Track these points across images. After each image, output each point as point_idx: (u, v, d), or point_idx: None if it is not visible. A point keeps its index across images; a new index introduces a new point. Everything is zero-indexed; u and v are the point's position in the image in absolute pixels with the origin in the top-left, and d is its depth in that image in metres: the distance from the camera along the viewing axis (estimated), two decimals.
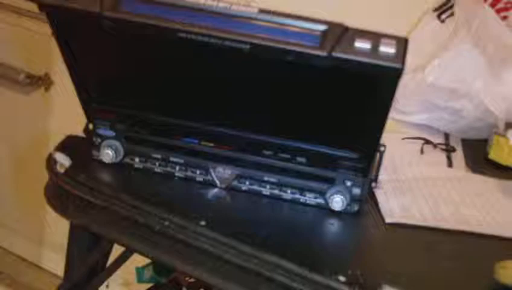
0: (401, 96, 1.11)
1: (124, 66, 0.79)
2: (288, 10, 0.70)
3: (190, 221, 0.79)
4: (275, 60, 0.69)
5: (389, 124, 1.12)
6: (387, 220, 0.84)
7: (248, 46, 0.68)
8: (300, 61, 0.68)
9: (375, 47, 0.66)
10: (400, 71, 0.66)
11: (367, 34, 0.67)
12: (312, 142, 0.80)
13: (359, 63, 0.66)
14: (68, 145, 0.91)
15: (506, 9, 1.14)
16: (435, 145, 1.06)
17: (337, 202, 0.84)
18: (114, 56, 0.78)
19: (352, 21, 0.70)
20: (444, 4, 1.16)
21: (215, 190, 0.87)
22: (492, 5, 1.15)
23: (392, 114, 1.13)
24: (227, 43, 0.68)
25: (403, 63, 0.66)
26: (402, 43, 0.67)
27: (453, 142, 1.10)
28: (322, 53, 0.67)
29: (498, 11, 1.14)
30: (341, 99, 0.73)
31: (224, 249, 0.77)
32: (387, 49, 0.66)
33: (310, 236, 0.82)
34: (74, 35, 0.75)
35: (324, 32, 0.67)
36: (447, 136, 1.11)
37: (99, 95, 0.83)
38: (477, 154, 1.08)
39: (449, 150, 1.05)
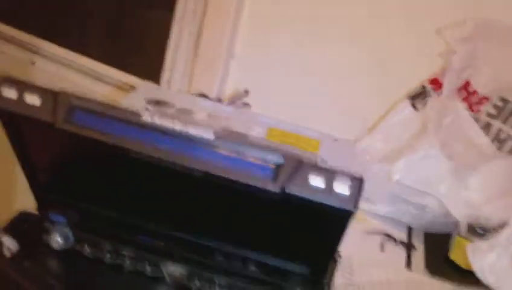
0: (368, 184, 1.10)
1: (75, 166, 0.77)
2: None
3: None
4: (227, 187, 0.67)
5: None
6: None
7: (200, 174, 0.66)
8: (252, 191, 0.66)
9: (329, 185, 0.65)
10: (352, 213, 0.64)
11: (322, 170, 0.65)
12: (264, 255, 0.78)
13: (312, 201, 0.64)
14: (19, 223, 0.89)
15: (480, 103, 1.13)
16: (396, 242, 1.04)
17: None
18: (65, 155, 0.76)
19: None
20: (420, 93, 1.15)
21: (164, 288, 0.85)
22: (466, 99, 1.13)
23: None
24: (179, 168, 0.66)
25: (356, 205, 0.64)
26: (357, 183, 0.65)
27: (415, 236, 1.08)
28: (275, 188, 0.65)
29: (471, 105, 1.13)
30: (293, 223, 0.72)
31: None
32: (341, 189, 0.65)
33: None
34: (26, 134, 0.73)
35: (279, 166, 0.65)
36: (409, 229, 1.09)
37: (51, 187, 0.80)
38: (439, 252, 1.06)
39: (410, 248, 1.03)
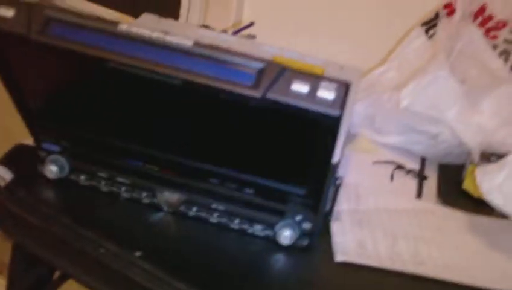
0: (378, 115, 1.06)
1: (59, 86, 0.75)
2: None
3: (125, 250, 0.75)
4: (208, 95, 0.64)
5: (364, 143, 1.08)
6: (338, 258, 0.80)
7: (180, 82, 0.63)
8: (234, 99, 0.63)
9: (313, 91, 0.62)
10: (338, 118, 0.61)
11: (306, 76, 0.62)
12: (258, 175, 0.76)
13: (294, 107, 0.61)
14: (15, 155, 0.88)
15: (496, 28, 1.08)
16: (407, 171, 1.00)
17: (286, 236, 0.80)
18: (48, 76, 0.74)
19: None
20: (432, 19, 1.10)
21: (161, 214, 0.83)
22: (482, 24, 1.08)
23: (368, 133, 1.08)
24: (158, 77, 0.63)
25: (342, 109, 0.61)
26: (343, 88, 0.62)
27: (429, 167, 1.05)
28: (256, 94, 0.62)
29: (488, 31, 1.08)
30: (280, 136, 0.69)
31: (158, 284, 0.72)
32: (326, 94, 0.61)
33: (254, 271, 0.78)
34: (5, 52, 0.71)
35: (261, 71, 0.62)
36: (423, 160, 1.05)
37: (40, 112, 0.78)
38: (453, 182, 1.02)
39: (421, 177, 0.99)
